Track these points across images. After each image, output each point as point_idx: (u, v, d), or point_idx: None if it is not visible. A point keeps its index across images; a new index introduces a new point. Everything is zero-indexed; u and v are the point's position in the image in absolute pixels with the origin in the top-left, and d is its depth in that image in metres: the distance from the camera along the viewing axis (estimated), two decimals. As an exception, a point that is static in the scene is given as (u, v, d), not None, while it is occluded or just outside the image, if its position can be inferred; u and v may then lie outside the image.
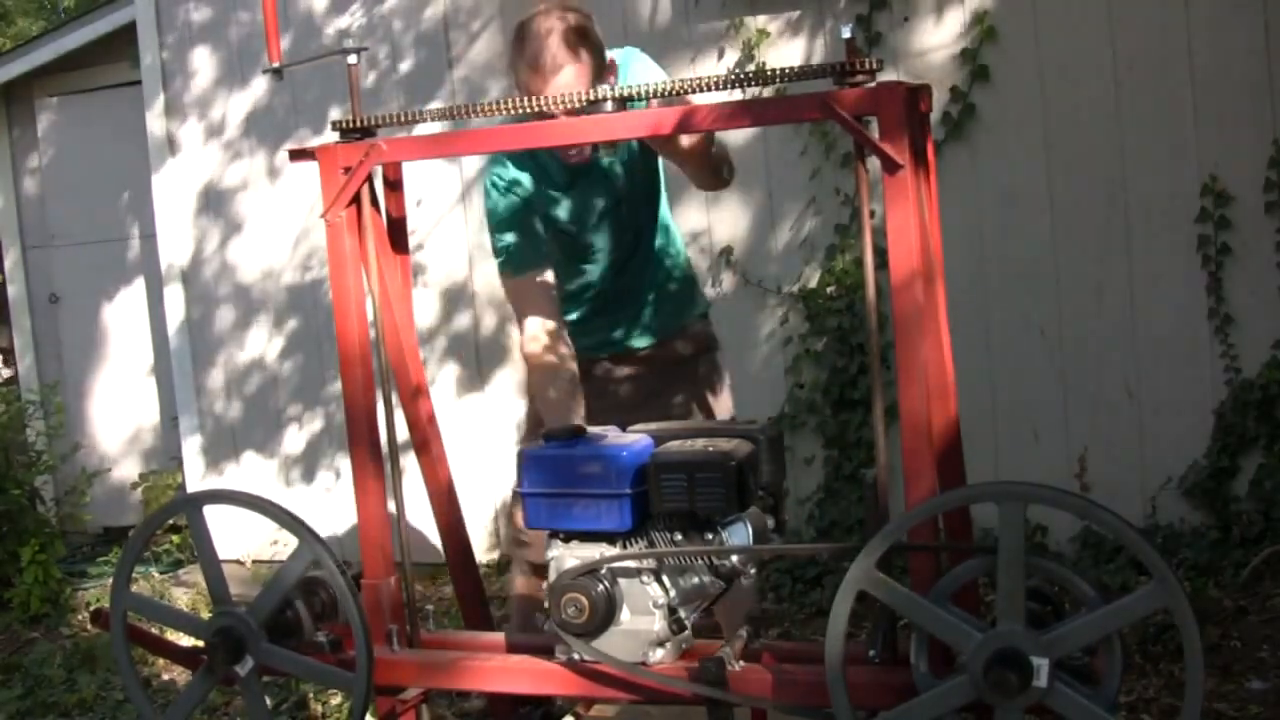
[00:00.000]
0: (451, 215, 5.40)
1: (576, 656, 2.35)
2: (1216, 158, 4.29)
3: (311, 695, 4.21)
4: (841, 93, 2.12)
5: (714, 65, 4.85)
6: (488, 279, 5.23)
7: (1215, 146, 4.29)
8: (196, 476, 6.01)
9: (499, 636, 2.67)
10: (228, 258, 5.85)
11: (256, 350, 5.85)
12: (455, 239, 5.39)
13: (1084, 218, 4.47)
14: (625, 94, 2.30)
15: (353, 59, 2.52)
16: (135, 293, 6.94)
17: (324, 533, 2.57)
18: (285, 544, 5.15)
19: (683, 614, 2.36)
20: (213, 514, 2.57)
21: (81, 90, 6.93)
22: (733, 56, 4.84)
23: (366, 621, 2.42)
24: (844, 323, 4.73)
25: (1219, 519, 4.32)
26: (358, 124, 2.46)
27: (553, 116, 2.38)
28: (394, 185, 2.64)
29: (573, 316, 3.13)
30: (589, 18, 2.83)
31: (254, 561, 5.66)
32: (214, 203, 5.85)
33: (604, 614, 2.30)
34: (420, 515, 2.77)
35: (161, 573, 6.00)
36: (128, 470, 6.88)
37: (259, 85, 5.68)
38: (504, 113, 2.38)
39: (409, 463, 2.73)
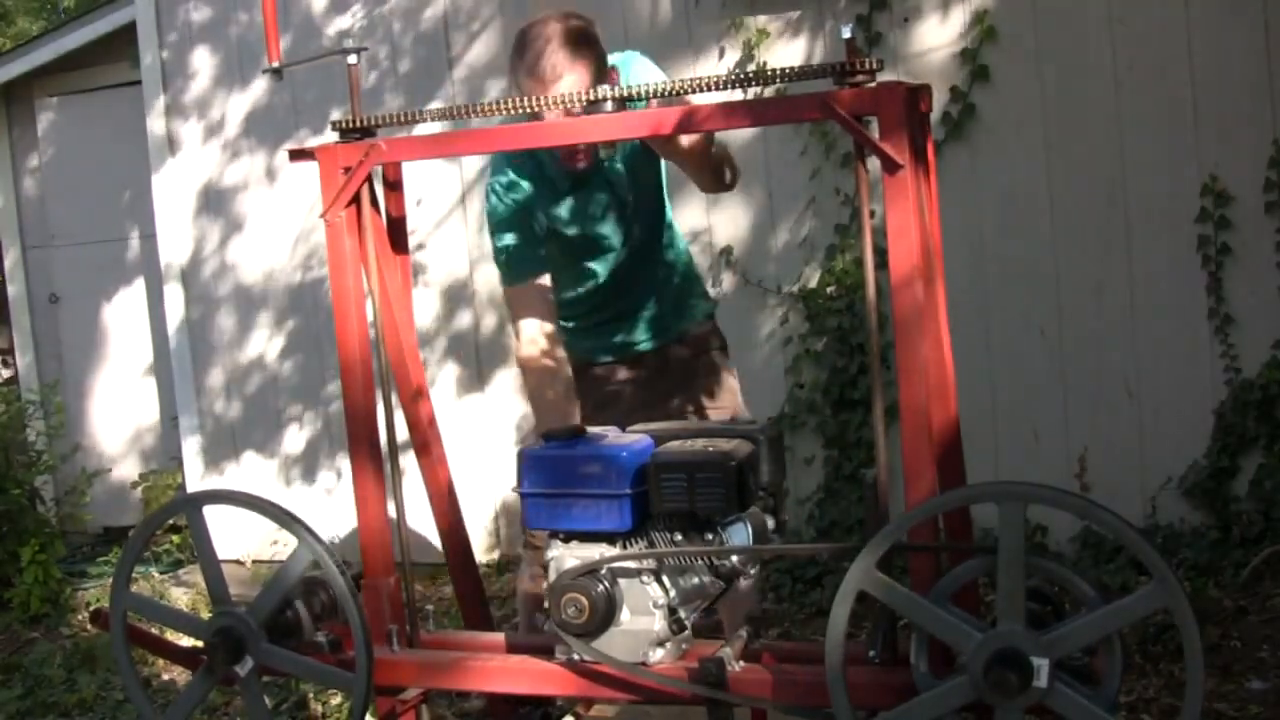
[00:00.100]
0: (451, 215, 5.39)
1: (576, 657, 2.35)
2: (1216, 158, 4.29)
3: (311, 695, 4.21)
4: (841, 93, 2.12)
5: (714, 65, 4.85)
6: (488, 279, 5.23)
7: (1215, 146, 4.29)
8: (196, 476, 6.01)
9: (499, 636, 2.67)
10: (227, 258, 5.85)
11: (256, 350, 5.85)
12: (455, 239, 5.39)
13: (1084, 218, 4.47)
14: (625, 94, 2.29)
15: (353, 59, 2.52)
16: (135, 293, 6.95)
17: (324, 533, 2.56)
18: (285, 544, 5.15)
19: (683, 614, 2.35)
20: (212, 514, 2.57)
21: (81, 90, 6.93)
22: (733, 56, 4.84)
23: (366, 622, 2.41)
24: (844, 323, 4.73)
25: (1219, 519, 4.32)
26: (357, 124, 2.46)
27: (542, 118, 2.37)
28: (394, 185, 2.64)
29: (575, 319, 3.13)
30: (590, 24, 2.82)
31: (254, 561, 5.66)
32: (214, 203, 5.85)
33: (604, 614, 2.30)
34: (420, 515, 2.77)
35: (161, 573, 6.00)
36: (128, 470, 6.88)
37: (259, 85, 5.68)
38: (504, 113, 2.38)
39: (409, 463, 2.73)
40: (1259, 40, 4.22)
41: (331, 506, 5.58)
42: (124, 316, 6.98)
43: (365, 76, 5.34)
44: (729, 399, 3.23)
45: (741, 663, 2.30)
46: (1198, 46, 4.29)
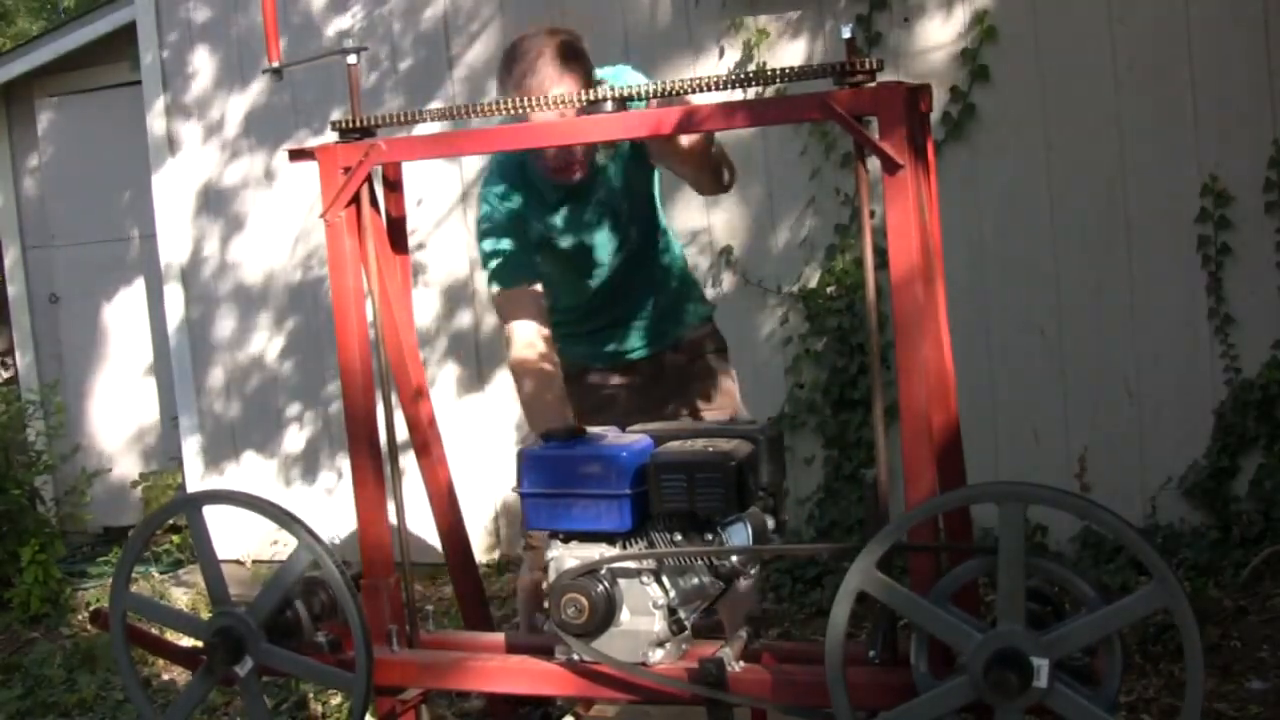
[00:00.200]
0: (451, 215, 5.39)
1: (576, 657, 2.35)
2: (1216, 158, 4.29)
3: (311, 695, 4.21)
4: (841, 93, 2.13)
5: (714, 65, 4.85)
6: (488, 279, 5.22)
7: (1215, 147, 4.29)
8: (196, 476, 6.01)
9: (499, 636, 2.68)
10: (227, 257, 5.85)
11: (256, 350, 5.85)
12: (455, 239, 5.39)
13: (1084, 218, 4.47)
14: (625, 94, 2.30)
15: (353, 59, 2.52)
16: (135, 293, 6.94)
17: (324, 533, 2.57)
18: (285, 544, 5.14)
19: (682, 614, 2.36)
20: (212, 514, 2.57)
21: (81, 90, 6.93)
22: (733, 56, 4.83)
23: (366, 622, 2.42)
24: (844, 323, 4.73)
25: (1219, 519, 4.32)
26: (357, 124, 2.46)
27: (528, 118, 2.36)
28: (394, 185, 2.64)
29: (569, 326, 3.11)
30: (579, 38, 2.82)
31: (254, 561, 5.66)
32: (214, 202, 5.85)
33: (604, 614, 2.30)
34: (420, 515, 2.77)
35: (161, 573, 6.00)
36: (128, 470, 6.88)
37: (259, 85, 5.68)
38: (504, 113, 2.38)
39: (409, 463, 2.73)
40: (1259, 40, 4.22)
41: (331, 506, 5.58)
42: (124, 316, 6.98)
43: (365, 76, 5.33)
44: (726, 401, 3.21)
45: (741, 663, 2.30)
46: (1198, 46, 4.29)
